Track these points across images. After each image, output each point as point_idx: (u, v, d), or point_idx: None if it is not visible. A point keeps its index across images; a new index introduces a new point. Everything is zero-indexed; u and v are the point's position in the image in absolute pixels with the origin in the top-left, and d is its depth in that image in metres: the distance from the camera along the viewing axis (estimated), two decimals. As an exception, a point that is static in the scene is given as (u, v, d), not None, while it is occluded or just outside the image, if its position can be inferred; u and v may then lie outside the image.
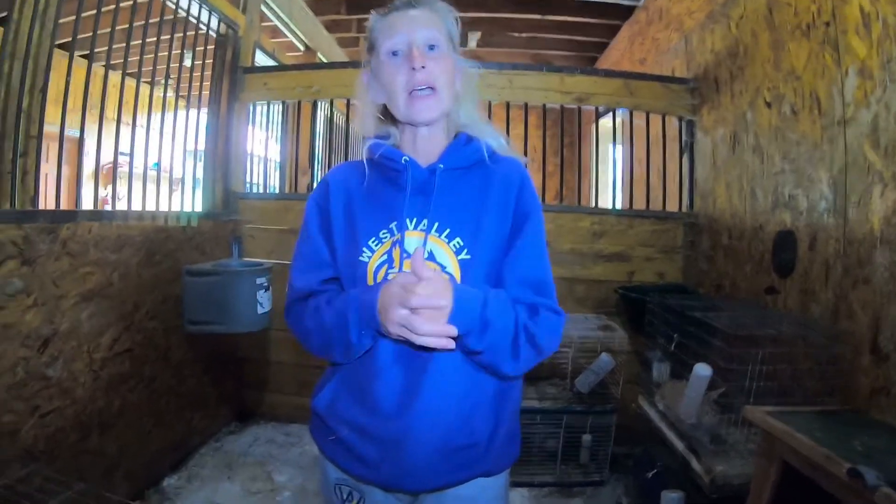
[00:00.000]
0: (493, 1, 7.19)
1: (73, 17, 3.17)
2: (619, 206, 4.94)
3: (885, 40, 2.37)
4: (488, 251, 1.44)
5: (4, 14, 2.84)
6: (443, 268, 1.40)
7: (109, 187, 6.95)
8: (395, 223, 1.45)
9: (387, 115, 1.56)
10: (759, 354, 2.49)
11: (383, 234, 1.45)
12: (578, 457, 3.77)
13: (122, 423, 3.30)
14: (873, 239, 2.42)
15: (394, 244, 1.43)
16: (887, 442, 1.96)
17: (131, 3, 3.59)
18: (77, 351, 2.96)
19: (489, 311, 1.31)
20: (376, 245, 1.45)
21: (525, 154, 4.44)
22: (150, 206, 3.87)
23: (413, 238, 1.43)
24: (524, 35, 8.28)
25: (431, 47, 1.43)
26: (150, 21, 3.88)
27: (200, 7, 4.30)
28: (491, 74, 4.57)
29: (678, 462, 2.76)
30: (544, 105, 4.70)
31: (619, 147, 6.33)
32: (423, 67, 1.39)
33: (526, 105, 4.68)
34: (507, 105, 4.71)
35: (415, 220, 1.45)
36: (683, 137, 4.55)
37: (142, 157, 3.85)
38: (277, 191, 6.30)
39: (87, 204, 3.70)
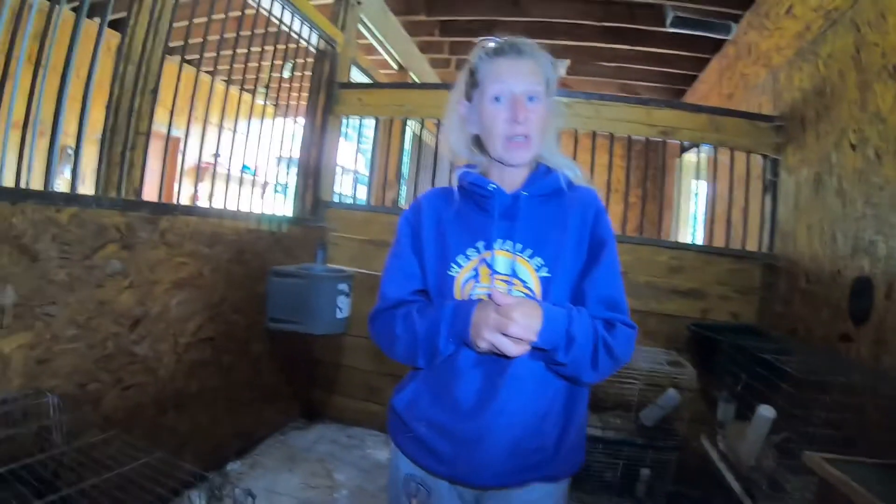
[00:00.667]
0: (584, 29, 7.18)
1: (185, 23, 3.49)
2: (698, 241, 4.85)
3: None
4: (566, 270, 1.59)
5: (122, 15, 3.07)
6: (524, 283, 1.56)
7: (202, 185, 7.23)
8: (482, 242, 1.60)
9: (476, 145, 1.73)
10: (825, 401, 2.43)
11: (470, 252, 1.62)
12: (635, 490, 3.72)
13: (196, 405, 3.55)
14: (951, 290, 2.34)
15: (481, 262, 1.59)
16: (949, 501, 1.88)
17: (239, 14, 3.81)
18: (164, 333, 3.25)
19: (574, 327, 1.46)
20: (464, 262, 1.61)
21: (609, 184, 4.49)
22: (249, 206, 4.16)
23: (500, 256, 1.59)
24: (612, 65, 8.24)
25: (531, 98, 1.58)
26: (256, 32, 4.18)
27: (302, 23, 4.56)
28: (579, 104, 4.63)
29: (732, 504, 2.71)
30: (629, 137, 4.69)
31: (701, 182, 6.25)
32: (523, 121, 1.55)
33: (612, 135, 4.67)
34: (594, 134, 4.72)
35: (500, 240, 1.60)
36: (767, 176, 4.46)
37: (235, 160, 4.10)
38: (364, 202, 6.47)
39: (184, 199, 3.92)
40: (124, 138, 3.02)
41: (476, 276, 1.58)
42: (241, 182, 4.32)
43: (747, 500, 2.56)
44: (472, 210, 1.68)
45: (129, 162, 3.06)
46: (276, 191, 4.88)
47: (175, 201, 3.61)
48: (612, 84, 9.15)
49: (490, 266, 1.57)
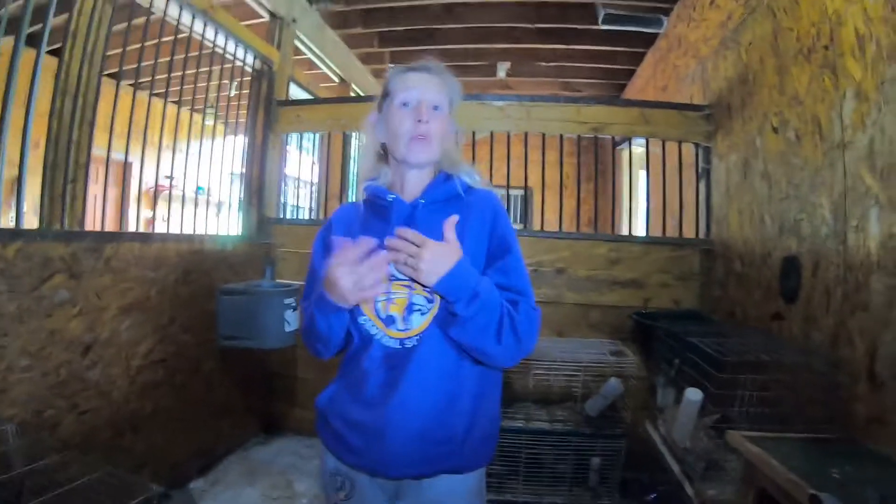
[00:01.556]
0: (521, 32, 7.23)
1: (121, 50, 3.54)
2: (652, 232, 4.91)
3: (879, 61, 2.37)
4: None
5: (57, 46, 3.09)
6: (425, 287, 1.57)
7: (157, 209, 7.19)
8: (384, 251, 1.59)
9: (383, 156, 1.83)
10: (753, 380, 2.47)
11: None
12: (587, 480, 3.74)
13: (152, 426, 3.54)
14: (870, 264, 2.40)
15: None
16: (871, 472, 1.92)
17: (172, 38, 3.91)
18: (115, 357, 3.26)
19: (481, 286, 1.52)
20: None
21: (561, 182, 4.53)
22: (193, 228, 4.24)
23: None
24: (552, 65, 8.31)
25: (435, 108, 1.71)
26: (192, 55, 4.21)
27: (237, 45, 4.61)
28: (510, 106, 4.66)
29: (675, 486, 2.74)
30: (561, 136, 4.73)
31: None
32: (427, 122, 1.66)
33: (543, 136, 4.72)
34: (525, 135, 4.77)
35: None
36: (700, 164, 4.53)
37: (188, 181, 4.13)
38: (313, 214, 6.68)
39: (132, 223, 3.94)
40: (65, 171, 3.07)
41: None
42: (196, 203, 4.31)
43: (685, 481, 2.59)
44: (376, 221, 1.73)
45: (71, 194, 3.11)
46: (238, 209, 4.86)
47: (129, 227, 3.62)
48: (553, 83, 9.26)
49: (389, 272, 1.58)
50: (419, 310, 1.61)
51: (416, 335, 1.60)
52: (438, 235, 1.58)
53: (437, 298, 1.58)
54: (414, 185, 1.75)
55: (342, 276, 1.48)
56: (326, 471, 1.75)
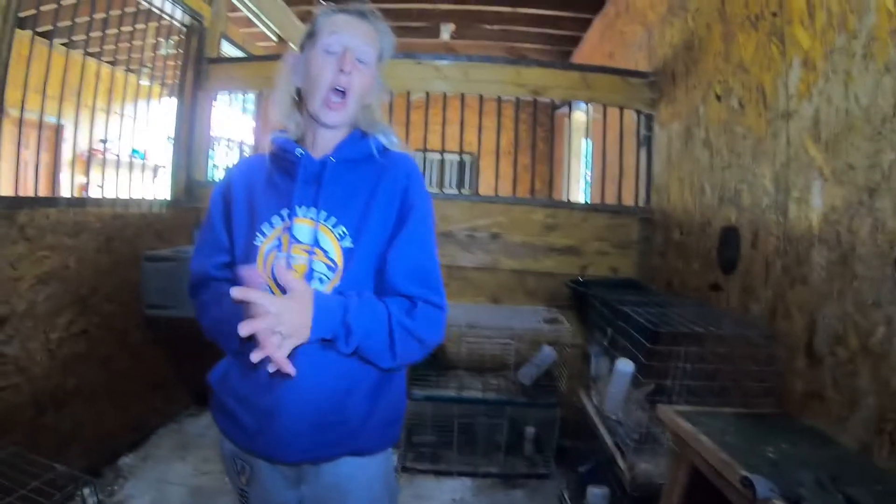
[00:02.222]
0: (465, -8, 7.11)
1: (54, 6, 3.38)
2: (591, 199, 4.88)
3: (829, 30, 2.31)
4: (371, 241, 1.53)
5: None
6: (326, 253, 1.50)
7: (90, 174, 6.96)
8: (286, 210, 1.55)
9: (297, 103, 1.66)
10: (682, 352, 2.43)
11: (275, 219, 1.56)
12: (523, 448, 3.72)
13: (77, 401, 3.42)
14: (811, 237, 2.36)
15: (284, 230, 1.52)
16: (806, 450, 1.89)
17: None
18: (33, 330, 3.10)
19: (350, 316, 1.40)
20: (268, 230, 1.55)
21: (498, 147, 4.43)
22: (128, 193, 4.10)
23: (301, 224, 1.52)
24: (497, 28, 8.19)
25: (361, 60, 1.55)
26: (119, 11, 4.00)
27: (164, -1, 4.34)
28: (447, 66, 4.55)
29: (610, 457, 2.71)
30: (500, 98, 4.62)
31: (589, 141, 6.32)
32: (348, 73, 1.51)
33: (481, 97, 4.63)
34: (462, 97, 4.65)
35: (304, 207, 1.54)
36: (641, 131, 4.49)
37: (120, 144, 3.97)
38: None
39: (65, 189, 3.79)
40: None
41: (279, 246, 1.52)
42: (131, 167, 4.12)
43: (617, 453, 2.56)
44: (281, 177, 1.62)
45: None
46: (167, 172, 4.70)
47: (53, 193, 3.47)
48: (498, 47, 9.12)
49: (291, 234, 1.51)
50: (319, 278, 1.51)
51: None
52: (347, 197, 1.55)
53: (340, 267, 1.49)
54: (326, 140, 1.61)
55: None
56: (226, 455, 1.66)
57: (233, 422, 1.58)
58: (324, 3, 1.65)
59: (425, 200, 1.61)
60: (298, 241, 1.50)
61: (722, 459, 1.74)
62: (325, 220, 1.51)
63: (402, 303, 1.49)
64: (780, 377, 2.44)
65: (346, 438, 1.52)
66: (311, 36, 1.59)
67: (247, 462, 1.58)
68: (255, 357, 1.28)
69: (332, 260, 1.50)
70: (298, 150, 1.56)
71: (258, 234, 1.54)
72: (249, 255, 1.54)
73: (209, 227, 1.69)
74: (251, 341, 1.32)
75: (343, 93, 1.52)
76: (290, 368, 1.32)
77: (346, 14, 1.57)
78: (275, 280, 1.44)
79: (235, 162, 1.82)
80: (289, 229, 1.51)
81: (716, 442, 1.84)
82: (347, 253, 1.50)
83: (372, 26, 1.59)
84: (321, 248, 1.50)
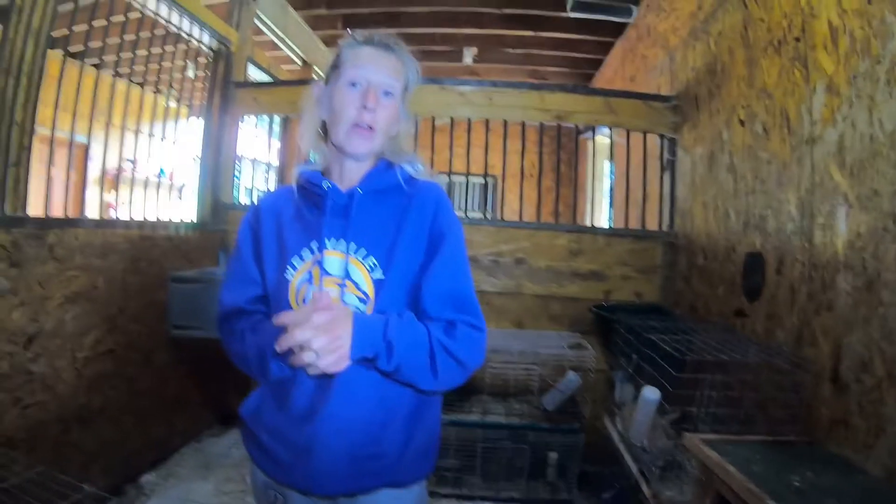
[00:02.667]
0: (487, 17, 7.16)
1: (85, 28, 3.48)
2: (614, 223, 4.86)
3: (852, 55, 2.30)
4: (402, 271, 1.51)
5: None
6: (357, 286, 1.49)
7: (114, 192, 7.06)
8: (316, 243, 1.53)
9: (323, 136, 1.65)
10: (708, 380, 2.42)
11: (304, 252, 1.54)
12: (545, 474, 3.70)
13: (102, 420, 3.44)
14: (837, 263, 2.34)
15: (314, 263, 1.51)
16: (832, 478, 1.86)
17: (136, 16, 3.83)
18: (60, 349, 3.13)
19: (391, 332, 1.38)
20: (298, 263, 1.54)
21: (522, 170, 4.44)
22: (155, 213, 4.15)
23: (331, 257, 1.51)
24: (519, 52, 8.25)
25: (386, 93, 1.54)
26: (147, 34, 4.10)
27: (192, 23, 4.44)
28: (472, 92, 4.57)
29: (634, 484, 2.69)
30: (524, 123, 4.63)
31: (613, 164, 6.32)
32: (373, 110, 1.50)
33: (505, 122, 4.66)
34: (487, 122, 4.67)
35: (333, 240, 1.52)
36: (665, 155, 4.48)
37: (149, 164, 4.04)
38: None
39: (92, 207, 3.86)
40: (6, 154, 2.93)
41: (310, 279, 1.51)
42: (158, 187, 4.20)
43: (641, 480, 2.54)
44: (310, 210, 1.61)
45: (14, 178, 2.97)
46: (192, 192, 4.75)
47: (87, 211, 3.55)
48: (520, 71, 9.18)
49: (321, 267, 1.50)
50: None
51: None
52: (376, 228, 1.53)
53: (372, 299, 1.48)
54: (353, 171, 1.61)
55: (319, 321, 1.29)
56: (258, 485, 1.63)
57: (266, 455, 1.55)
58: (350, 32, 1.60)
59: (456, 226, 1.59)
60: (329, 274, 1.49)
61: (748, 489, 1.72)
62: (354, 252, 1.51)
63: (442, 324, 1.48)
64: (805, 404, 2.41)
65: (384, 470, 1.51)
66: (335, 68, 1.58)
67: (280, 493, 1.56)
68: (295, 361, 1.31)
69: (363, 292, 1.49)
70: (326, 183, 1.55)
71: (288, 267, 1.54)
72: (280, 289, 1.54)
73: (238, 260, 1.69)
74: (289, 364, 1.36)
75: (369, 127, 1.52)
76: (334, 368, 1.33)
77: (371, 46, 1.56)
78: None
79: (263, 192, 1.80)
80: (319, 262, 1.50)
81: (742, 471, 1.82)
82: (378, 284, 1.49)
83: (397, 58, 1.58)
84: (352, 281, 1.49)
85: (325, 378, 1.42)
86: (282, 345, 1.28)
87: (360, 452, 1.46)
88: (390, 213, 1.56)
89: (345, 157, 1.58)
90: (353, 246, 1.51)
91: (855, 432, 2.13)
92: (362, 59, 1.53)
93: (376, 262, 1.50)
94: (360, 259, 1.50)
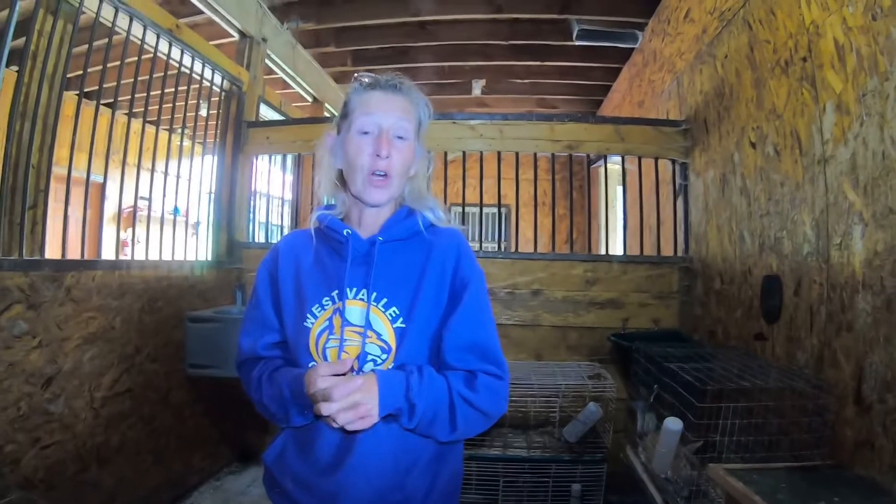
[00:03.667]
0: (494, 49, 7.20)
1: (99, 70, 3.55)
2: (628, 250, 4.84)
3: (860, 73, 2.29)
4: (424, 320, 1.50)
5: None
6: (378, 335, 1.48)
7: (129, 230, 7.10)
8: (336, 291, 1.52)
9: (341, 181, 1.64)
10: (730, 409, 2.38)
11: (325, 301, 1.53)
12: (569, 506, 3.65)
13: (120, 459, 3.46)
14: (855, 283, 2.31)
15: (335, 311, 1.51)
16: (859, 502, 1.83)
17: (136, 59, 3.85)
18: (78, 389, 3.15)
19: (413, 393, 1.39)
20: (319, 312, 1.52)
21: (536, 201, 4.44)
22: (171, 250, 4.22)
23: (353, 307, 1.50)
24: (527, 81, 8.30)
25: (399, 137, 1.53)
26: (157, 75, 4.10)
27: (204, 65, 4.51)
28: (483, 125, 4.59)
29: (659, 515, 2.64)
30: (535, 154, 4.62)
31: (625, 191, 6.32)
32: (387, 157, 1.50)
33: (517, 154, 4.66)
34: (499, 154, 4.68)
35: (354, 289, 1.52)
36: (677, 180, 4.46)
37: (163, 202, 4.10)
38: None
39: (107, 245, 3.89)
40: (23, 197, 2.97)
41: (330, 328, 1.50)
42: (173, 224, 4.21)
43: (667, 513, 2.49)
44: (329, 256, 1.60)
45: (31, 220, 3.01)
46: (207, 229, 4.76)
47: (103, 249, 3.69)
48: (529, 100, 9.22)
49: (343, 316, 1.49)
50: (373, 360, 1.48)
51: None
52: (397, 276, 1.52)
53: (394, 348, 1.47)
54: (372, 218, 1.61)
55: (340, 395, 1.32)
56: None
57: (291, 502, 1.53)
58: (357, 76, 1.61)
59: (478, 275, 1.58)
60: (350, 324, 1.49)
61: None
62: (376, 302, 1.49)
63: (463, 375, 1.48)
64: (829, 427, 2.37)
65: None
66: (345, 117, 1.59)
67: None
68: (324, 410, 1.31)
69: (384, 342, 1.48)
70: (346, 231, 1.55)
71: (309, 315, 1.52)
72: (300, 337, 1.53)
73: (256, 306, 1.66)
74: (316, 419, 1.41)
75: (384, 175, 1.51)
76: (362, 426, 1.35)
77: (379, 91, 1.55)
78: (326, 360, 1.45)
79: (281, 234, 1.79)
80: (340, 311, 1.49)
81: (767, 500, 1.78)
82: (400, 333, 1.48)
83: (405, 98, 1.57)
84: (374, 331, 1.48)
85: (350, 432, 1.41)
86: (323, 412, 1.31)
87: (386, 499, 1.45)
88: (411, 262, 1.56)
89: (363, 204, 1.58)
90: (374, 295, 1.50)
91: (881, 454, 2.09)
92: (371, 106, 1.53)
93: (398, 312, 1.49)
94: (382, 308, 1.49)
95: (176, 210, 4.34)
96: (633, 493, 3.37)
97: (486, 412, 1.48)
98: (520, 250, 4.89)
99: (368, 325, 1.48)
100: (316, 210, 1.64)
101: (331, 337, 1.49)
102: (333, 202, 1.69)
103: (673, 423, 2.61)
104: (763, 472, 2.05)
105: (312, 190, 1.74)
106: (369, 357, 1.47)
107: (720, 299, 3.65)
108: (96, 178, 3.51)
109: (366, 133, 1.51)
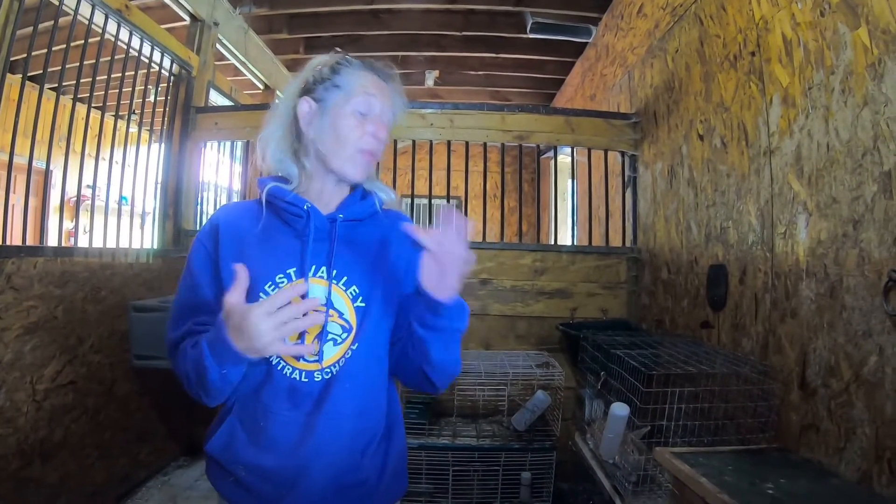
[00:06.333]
0: (448, 39, 7.18)
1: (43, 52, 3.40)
2: (578, 241, 4.88)
3: (807, 67, 2.34)
4: (383, 299, 1.51)
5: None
6: (340, 314, 1.45)
7: (78, 220, 6.93)
8: (294, 269, 1.46)
9: (297, 154, 1.56)
10: (676, 393, 2.42)
11: (280, 278, 1.45)
12: (519, 494, 3.67)
13: (64, 454, 3.33)
14: (799, 271, 2.37)
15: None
16: (806, 484, 1.87)
17: (82, 42, 3.72)
18: (19, 381, 3.02)
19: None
20: (272, 289, 1.44)
21: (485, 191, 4.46)
22: (116, 240, 4.08)
23: (314, 285, 1.45)
24: (480, 73, 8.28)
25: (384, 123, 1.54)
26: (107, 59, 4.01)
27: (153, 48, 4.39)
28: (433, 114, 4.56)
29: (608, 500, 2.68)
30: (486, 144, 4.64)
31: (575, 183, 6.36)
32: (382, 140, 1.52)
33: (467, 143, 4.65)
34: (448, 144, 4.68)
35: (314, 266, 1.47)
36: (626, 172, 4.51)
37: (111, 191, 3.98)
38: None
39: (53, 235, 3.77)
40: None
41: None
42: (119, 213, 4.08)
43: (616, 497, 2.52)
44: (280, 231, 1.52)
45: None
46: (153, 219, 4.65)
47: (49, 238, 3.56)
48: (482, 92, 9.22)
49: (303, 295, 1.38)
50: (333, 339, 1.44)
51: (327, 367, 1.43)
52: (356, 256, 1.51)
53: (354, 327, 1.45)
54: (332, 195, 1.56)
55: (261, 323, 1.22)
56: None
57: (246, 492, 1.46)
58: (340, 51, 1.58)
59: None
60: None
61: (722, 500, 1.71)
62: (336, 280, 1.47)
63: None
64: (775, 411, 2.43)
65: (366, 497, 1.50)
66: (335, 87, 1.51)
67: None
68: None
69: (346, 321, 1.45)
70: (307, 205, 1.48)
71: (262, 294, 1.41)
72: None
73: (191, 289, 1.53)
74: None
75: (372, 154, 1.51)
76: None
77: (378, 76, 1.55)
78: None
79: (218, 209, 1.69)
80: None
81: (715, 482, 1.81)
82: (361, 312, 1.46)
83: (398, 92, 1.60)
84: (335, 310, 1.45)
85: (310, 410, 1.42)
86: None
87: (345, 481, 1.45)
88: (368, 241, 1.55)
89: (327, 179, 1.55)
90: (334, 273, 1.47)
91: (825, 436, 2.14)
92: (373, 89, 1.52)
93: (358, 291, 1.48)
94: (343, 287, 1.47)
95: (123, 199, 4.25)
96: (582, 480, 3.42)
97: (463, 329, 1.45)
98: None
99: (330, 304, 1.44)
100: (267, 180, 1.54)
101: None
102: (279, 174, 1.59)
103: (619, 409, 2.65)
104: (710, 454, 2.09)
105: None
106: (329, 336, 1.44)
107: (667, 289, 3.71)
108: (39, 164, 3.40)
109: (364, 115, 1.50)
